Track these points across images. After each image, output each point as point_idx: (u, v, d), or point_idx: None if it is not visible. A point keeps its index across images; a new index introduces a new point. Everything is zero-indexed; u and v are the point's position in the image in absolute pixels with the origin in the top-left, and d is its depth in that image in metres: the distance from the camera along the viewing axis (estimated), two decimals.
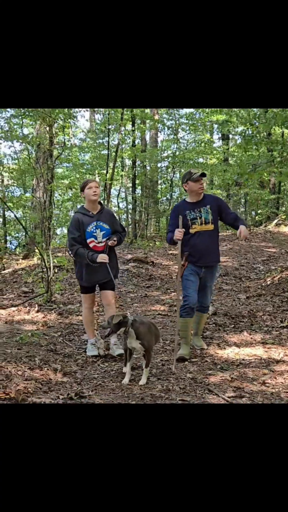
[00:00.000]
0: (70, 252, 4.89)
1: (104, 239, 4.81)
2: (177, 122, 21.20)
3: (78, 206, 5.84)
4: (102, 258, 4.65)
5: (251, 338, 5.42)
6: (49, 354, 4.55)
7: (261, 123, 10.10)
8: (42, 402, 3.35)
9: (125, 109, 15.79)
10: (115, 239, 4.81)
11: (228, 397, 3.61)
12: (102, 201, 4.89)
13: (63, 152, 12.02)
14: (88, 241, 4.77)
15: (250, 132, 10.30)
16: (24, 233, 20.45)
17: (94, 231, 4.78)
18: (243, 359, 4.66)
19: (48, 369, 4.10)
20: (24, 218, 16.45)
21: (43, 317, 6.04)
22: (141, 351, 4.14)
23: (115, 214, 4.97)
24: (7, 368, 3.87)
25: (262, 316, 6.40)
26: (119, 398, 3.60)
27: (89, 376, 4.18)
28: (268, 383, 3.99)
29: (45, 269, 7.32)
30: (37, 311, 6.25)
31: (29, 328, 5.41)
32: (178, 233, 4.71)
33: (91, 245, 4.77)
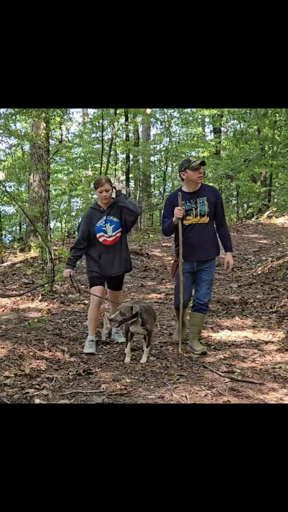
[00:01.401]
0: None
1: (115, 232, 4.85)
2: (169, 116, 21.50)
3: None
4: (65, 273, 4.88)
5: (242, 322, 5.82)
6: (56, 338, 4.90)
7: (252, 119, 10.47)
8: (54, 378, 3.72)
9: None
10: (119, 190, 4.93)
11: (222, 372, 3.99)
12: (113, 197, 4.99)
13: (60, 148, 12.30)
14: (97, 235, 4.85)
15: (242, 126, 10.66)
16: (18, 227, 20.86)
17: (104, 225, 4.84)
18: (235, 341, 5.05)
19: (56, 351, 4.47)
20: (18, 213, 16.80)
21: (47, 306, 6.40)
22: (143, 334, 4.46)
23: (125, 200, 4.95)
24: (19, 349, 4.23)
25: (253, 303, 6.79)
26: (123, 374, 3.97)
27: (94, 356, 4.55)
28: (257, 360, 4.38)
29: (46, 261, 7.66)
30: (41, 300, 6.61)
31: (34, 315, 5.77)
32: (178, 211, 4.49)
33: (101, 239, 4.85)
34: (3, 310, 6.08)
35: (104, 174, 16.48)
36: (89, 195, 19.21)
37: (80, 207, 19.54)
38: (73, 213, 18.23)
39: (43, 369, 3.91)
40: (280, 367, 4.16)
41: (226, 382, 3.77)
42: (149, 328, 4.41)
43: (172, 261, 4.89)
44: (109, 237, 4.87)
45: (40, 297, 6.69)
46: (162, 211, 4.87)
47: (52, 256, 7.28)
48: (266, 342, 4.96)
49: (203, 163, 4.54)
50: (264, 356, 4.50)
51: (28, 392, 3.43)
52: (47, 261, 7.74)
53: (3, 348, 4.25)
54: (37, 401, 3.31)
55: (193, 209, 4.59)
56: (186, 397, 3.42)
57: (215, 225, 4.75)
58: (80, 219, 5.02)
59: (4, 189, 10.53)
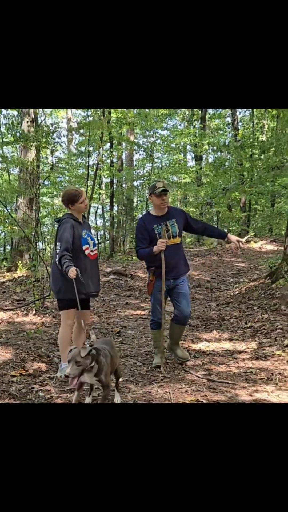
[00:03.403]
0: (57, 259, 4.33)
1: (94, 248, 4.64)
2: (152, 143, 22.35)
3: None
4: (72, 273, 4.12)
5: (220, 335, 6.41)
6: (52, 346, 5.43)
7: (231, 149, 11.18)
8: (54, 377, 4.26)
9: (104, 131, 16.77)
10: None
11: (200, 375, 4.57)
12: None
13: (48, 172, 12.91)
14: (84, 247, 4.48)
15: (222, 154, 11.35)
16: (3, 248, 21.36)
17: (86, 238, 4.56)
18: (212, 350, 5.63)
19: (53, 356, 5.00)
20: (4, 235, 17.39)
21: (40, 319, 6.91)
22: (97, 385, 3.68)
23: None
24: (21, 354, 4.77)
25: (230, 319, 7.40)
26: None
27: None
28: (232, 366, 4.97)
29: (38, 278, 8.21)
30: (34, 315, 7.13)
31: (30, 327, 6.29)
32: (162, 244, 4.63)
33: (86, 252, 4.50)
34: (0, 323, 6.58)
35: (89, 198, 17.13)
36: None
37: None
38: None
39: (44, 370, 4.45)
40: (251, 372, 4.74)
41: (204, 382, 4.35)
42: (104, 379, 3.51)
43: (148, 281, 5.04)
44: (91, 251, 4.59)
45: (33, 312, 7.22)
46: (136, 235, 4.94)
47: (45, 274, 7.82)
48: (240, 352, 5.55)
49: (164, 191, 4.70)
50: (238, 363, 5.08)
51: (33, 388, 3.97)
52: (39, 279, 8.29)
53: (7, 353, 4.78)
54: (41, 395, 3.84)
55: (165, 231, 4.78)
56: (169, 392, 4.00)
57: (201, 228, 5.03)
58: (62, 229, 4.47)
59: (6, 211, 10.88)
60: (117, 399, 3.83)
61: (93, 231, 4.89)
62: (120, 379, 4.28)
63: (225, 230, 23.79)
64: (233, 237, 4.93)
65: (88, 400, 3.82)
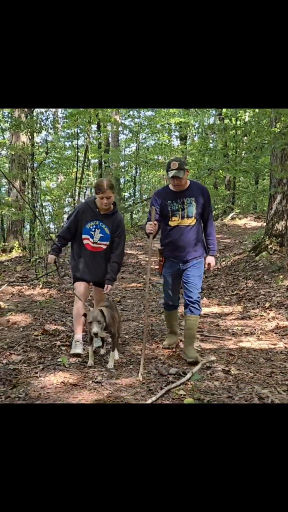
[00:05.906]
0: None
1: (100, 242, 4.50)
2: (137, 123, 22.87)
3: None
4: (49, 259, 4.62)
5: (209, 302, 7.21)
6: (63, 313, 6.18)
7: (216, 131, 11.89)
8: (72, 335, 5.02)
9: (91, 114, 17.29)
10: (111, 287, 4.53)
11: None
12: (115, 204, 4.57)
13: (44, 157, 13.50)
14: (83, 236, 4.50)
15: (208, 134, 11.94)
16: None
17: (93, 229, 4.48)
18: (203, 314, 6.42)
19: (65, 321, 5.76)
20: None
21: (47, 292, 7.65)
22: (106, 338, 4.35)
23: (124, 226, 4.62)
24: (39, 319, 5.52)
25: (218, 289, 8.20)
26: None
27: None
28: (220, 324, 5.77)
29: (42, 257, 8.95)
30: (41, 288, 7.86)
31: (40, 299, 7.02)
32: (149, 226, 4.36)
33: (84, 242, 4.51)
34: (12, 296, 7.31)
35: (79, 182, 17.70)
36: (62, 201, 20.69)
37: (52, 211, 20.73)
38: (47, 217, 19.44)
39: (61, 331, 5.21)
40: (237, 328, 5.54)
41: (198, 337, 5.15)
42: (113, 331, 4.18)
43: (158, 260, 4.70)
44: (93, 243, 4.51)
45: (40, 286, 7.95)
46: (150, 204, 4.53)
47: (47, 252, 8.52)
48: (227, 314, 6.36)
49: (173, 177, 4.25)
50: (226, 322, 5.89)
51: (55, 343, 4.73)
52: (42, 257, 9.02)
53: (27, 318, 5.53)
54: (63, 348, 4.60)
55: (180, 209, 4.37)
56: (169, 344, 4.79)
57: (204, 225, 4.54)
58: (73, 209, 4.59)
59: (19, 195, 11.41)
60: (111, 364, 4.17)
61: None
62: (126, 336, 5.08)
63: (212, 208, 24.48)
64: (208, 259, 4.59)
65: (103, 351, 4.64)
